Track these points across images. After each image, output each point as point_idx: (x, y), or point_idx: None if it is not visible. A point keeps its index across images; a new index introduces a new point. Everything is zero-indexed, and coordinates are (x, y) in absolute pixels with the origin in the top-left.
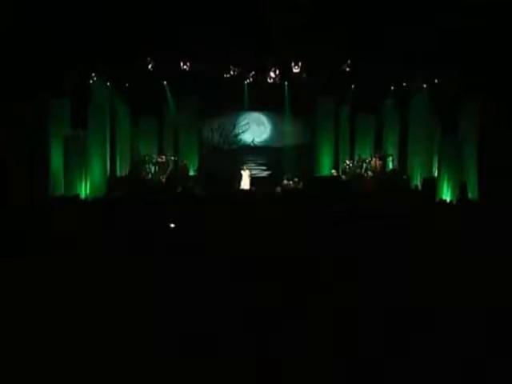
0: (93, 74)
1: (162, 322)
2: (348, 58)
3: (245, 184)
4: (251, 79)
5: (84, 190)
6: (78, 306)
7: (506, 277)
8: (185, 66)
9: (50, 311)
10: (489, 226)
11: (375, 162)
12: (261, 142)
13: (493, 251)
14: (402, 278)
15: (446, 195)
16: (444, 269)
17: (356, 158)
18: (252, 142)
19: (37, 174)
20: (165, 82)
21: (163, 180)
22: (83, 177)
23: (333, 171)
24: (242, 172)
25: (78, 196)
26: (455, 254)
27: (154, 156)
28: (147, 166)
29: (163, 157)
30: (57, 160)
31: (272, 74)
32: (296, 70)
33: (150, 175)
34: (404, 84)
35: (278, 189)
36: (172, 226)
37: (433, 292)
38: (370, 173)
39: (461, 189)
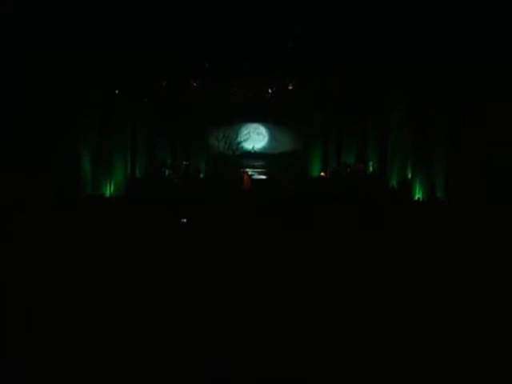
0: (116, 91)
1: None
2: (336, 77)
3: (246, 185)
4: (252, 95)
5: (108, 189)
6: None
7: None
8: (195, 84)
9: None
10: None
11: (358, 166)
12: (260, 149)
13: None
14: None
15: (418, 194)
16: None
17: (342, 162)
18: (252, 148)
19: (70, 176)
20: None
21: (176, 181)
22: (108, 178)
23: (321, 173)
24: (244, 174)
25: (103, 194)
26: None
27: (168, 160)
28: (162, 169)
29: (176, 161)
30: (86, 164)
31: (270, 91)
32: (291, 87)
33: (164, 177)
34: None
35: (276, 188)
36: (183, 220)
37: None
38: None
39: (431, 189)
